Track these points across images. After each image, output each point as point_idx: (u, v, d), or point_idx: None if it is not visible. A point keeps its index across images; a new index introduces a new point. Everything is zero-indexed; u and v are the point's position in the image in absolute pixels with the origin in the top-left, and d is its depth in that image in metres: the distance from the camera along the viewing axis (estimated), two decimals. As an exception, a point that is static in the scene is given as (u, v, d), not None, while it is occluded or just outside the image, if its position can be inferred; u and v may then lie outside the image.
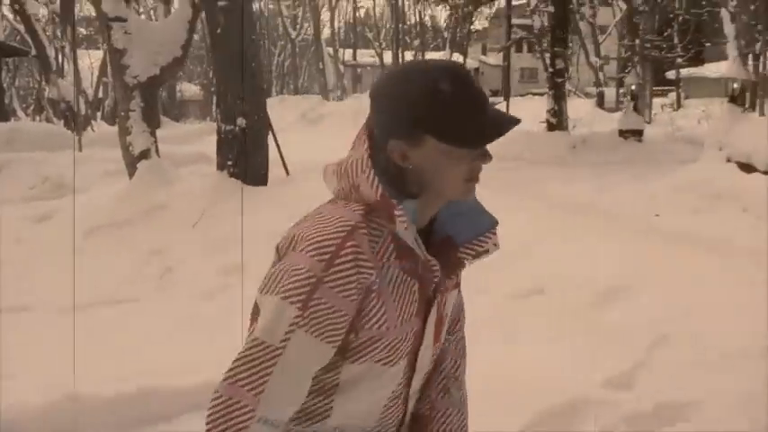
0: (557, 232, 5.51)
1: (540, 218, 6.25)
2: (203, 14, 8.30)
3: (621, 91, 20.70)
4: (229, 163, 7.67)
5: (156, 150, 8.25)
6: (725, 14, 28.00)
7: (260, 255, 5.92)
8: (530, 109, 23.47)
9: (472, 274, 4.11)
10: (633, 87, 16.24)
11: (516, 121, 1.17)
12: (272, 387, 1.08)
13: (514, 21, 30.66)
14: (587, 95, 34.99)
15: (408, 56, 38.75)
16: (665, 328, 3.47)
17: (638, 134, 14.39)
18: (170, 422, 3.27)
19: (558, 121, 15.02)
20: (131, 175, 7.94)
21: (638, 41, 20.20)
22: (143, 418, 3.23)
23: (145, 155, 7.98)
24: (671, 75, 34.55)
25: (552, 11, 14.83)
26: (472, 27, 36.72)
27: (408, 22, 40.83)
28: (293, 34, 33.79)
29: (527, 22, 22.54)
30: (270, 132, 8.08)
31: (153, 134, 8.22)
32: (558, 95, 15.18)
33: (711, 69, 33.06)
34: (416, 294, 1.17)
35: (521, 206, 6.80)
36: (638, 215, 8.48)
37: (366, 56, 42.00)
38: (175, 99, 28.21)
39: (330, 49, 33.89)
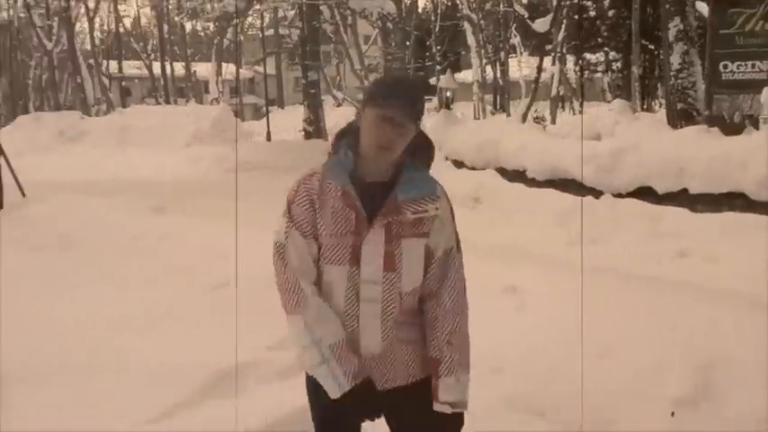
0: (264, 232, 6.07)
1: (257, 220, 6.81)
2: None
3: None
4: (-44, 187, 7.46)
5: None
6: (467, 27, 30.79)
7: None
8: (298, 118, 24.39)
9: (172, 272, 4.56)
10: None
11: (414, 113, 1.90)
12: (293, 259, 1.89)
13: (282, 32, 31.30)
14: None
15: (178, 67, 38.15)
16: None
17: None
18: None
19: (315, 129, 15.95)
20: None
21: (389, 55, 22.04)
22: None
23: None
24: (433, 81, 37.58)
25: (300, 26, 15.75)
26: (241, 38, 37.00)
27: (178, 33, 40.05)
28: (49, 46, 31.73)
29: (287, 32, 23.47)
30: (2, 155, 7.95)
31: None
32: (315, 105, 16.13)
33: (465, 76, 36.44)
34: (352, 220, 1.87)
35: (245, 212, 7.36)
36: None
37: (133, 67, 40.55)
38: None
39: (92, 61, 32.35)
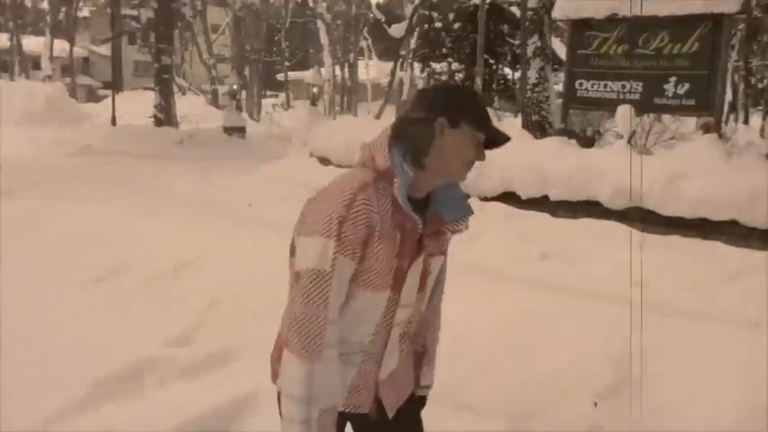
0: (143, 219, 5.76)
1: (131, 207, 6.44)
2: None
3: (223, 91, 21.76)
4: None
5: None
6: (321, 26, 30.90)
7: None
8: (141, 103, 23.08)
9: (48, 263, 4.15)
10: (234, 87, 17.24)
11: (507, 139, 1.68)
12: (331, 299, 1.57)
13: (125, 11, 29.51)
14: (204, 92, 35.64)
15: (3, 38, 34.70)
16: (219, 293, 4.07)
17: (240, 131, 15.38)
18: None
19: (165, 116, 15.22)
20: None
21: (248, 45, 21.50)
22: None
23: None
24: (281, 77, 37.15)
25: (156, 7, 14.96)
26: (79, 14, 34.56)
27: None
28: None
29: (135, 13, 22.14)
30: None
31: None
32: (165, 91, 15.38)
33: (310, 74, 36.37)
34: (398, 241, 1.62)
35: (114, 199, 6.93)
36: (236, 204, 9.22)
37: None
38: None
39: None
